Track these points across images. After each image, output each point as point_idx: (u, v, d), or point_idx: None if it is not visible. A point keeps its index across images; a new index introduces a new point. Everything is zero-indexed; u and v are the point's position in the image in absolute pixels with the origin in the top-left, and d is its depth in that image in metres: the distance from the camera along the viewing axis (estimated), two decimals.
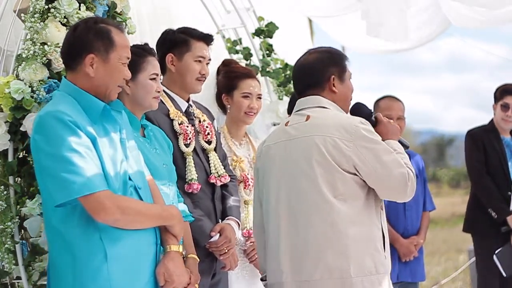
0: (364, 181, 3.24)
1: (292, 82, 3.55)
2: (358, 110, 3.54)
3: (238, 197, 4.04)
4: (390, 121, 3.52)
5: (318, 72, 3.41)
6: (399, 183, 3.23)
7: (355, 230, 3.20)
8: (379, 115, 3.53)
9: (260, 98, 4.34)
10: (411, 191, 3.27)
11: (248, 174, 4.22)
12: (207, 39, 3.94)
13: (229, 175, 3.99)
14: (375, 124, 3.50)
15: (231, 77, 4.28)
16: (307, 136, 3.30)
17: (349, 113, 3.51)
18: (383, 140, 3.46)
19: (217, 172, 3.90)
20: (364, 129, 3.25)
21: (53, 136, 2.84)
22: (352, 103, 3.52)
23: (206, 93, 4.41)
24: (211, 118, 4.10)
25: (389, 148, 3.28)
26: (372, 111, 3.56)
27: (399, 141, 3.52)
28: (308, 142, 3.29)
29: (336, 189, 3.22)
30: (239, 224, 3.94)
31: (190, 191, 3.78)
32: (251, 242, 4.14)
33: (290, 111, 4.79)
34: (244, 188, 4.20)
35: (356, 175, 3.23)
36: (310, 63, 3.44)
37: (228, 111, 4.32)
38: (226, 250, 3.83)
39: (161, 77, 3.85)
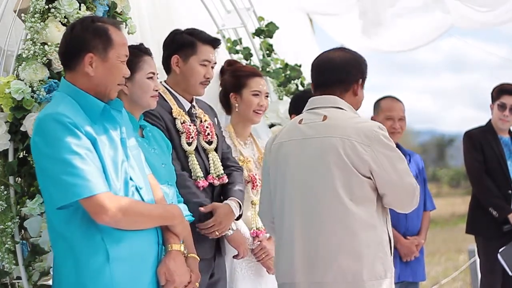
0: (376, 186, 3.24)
1: (312, 74, 3.45)
2: None
3: (243, 184, 4.04)
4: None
5: (349, 71, 3.36)
6: (408, 192, 3.24)
7: (368, 233, 3.20)
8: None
9: (267, 96, 4.36)
10: (416, 202, 3.30)
11: (256, 174, 4.21)
12: (214, 42, 3.94)
13: (234, 166, 4.01)
14: None
15: (239, 76, 4.29)
16: (324, 137, 3.27)
17: None
18: None
19: (215, 173, 3.90)
20: (382, 135, 3.24)
21: (53, 138, 2.82)
22: None
23: (209, 92, 4.43)
24: (213, 114, 4.10)
25: (403, 156, 3.28)
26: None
27: None
28: (326, 143, 3.26)
29: (352, 192, 3.21)
30: (241, 206, 3.91)
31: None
32: (258, 241, 4.14)
33: (292, 110, 4.79)
34: (252, 188, 4.19)
35: (370, 179, 3.22)
36: (342, 60, 3.37)
37: (236, 110, 4.31)
38: (218, 234, 3.81)
39: (160, 76, 3.85)
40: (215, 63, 3.95)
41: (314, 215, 3.25)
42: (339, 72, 3.36)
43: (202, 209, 3.73)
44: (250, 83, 4.27)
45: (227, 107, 4.36)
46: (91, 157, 2.84)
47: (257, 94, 4.27)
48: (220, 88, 4.38)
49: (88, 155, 2.83)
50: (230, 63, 4.46)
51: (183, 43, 3.89)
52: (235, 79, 4.29)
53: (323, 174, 3.24)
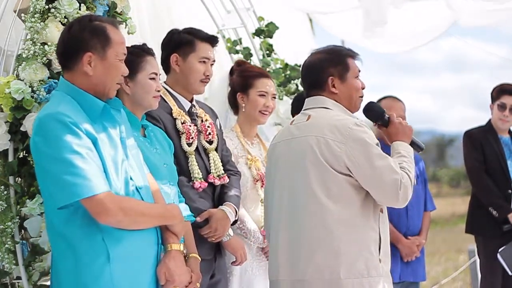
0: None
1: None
2: (370, 109, 3.53)
3: (240, 189, 4.05)
4: (403, 121, 3.48)
5: (317, 74, 3.41)
6: (390, 190, 3.20)
7: (348, 231, 3.20)
8: (392, 115, 3.50)
9: (274, 98, 4.38)
10: (404, 198, 3.22)
11: (264, 172, 4.22)
12: (212, 40, 3.96)
13: (232, 170, 4.01)
14: (387, 124, 3.48)
15: (247, 76, 4.32)
16: (303, 136, 3.32)
17: (361, 112, 3.50)
18: (392, 141, 3.45)
19: (216, 172, 3.91)
20: (358, 131, 3.23)
21: (53, 138, 2.81)
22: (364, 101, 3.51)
23: (217, 93, 4.43)
24: (214, 116, 4.11)
25: (383, 153, 3.24)
26: (385, 110, 3.54)
27: (413, 142, 3.49)
28: (304, 142, 3.30)
29: (329, 190, 3.22)
30: (236, 211, 3.93)
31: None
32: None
33: (293, 112, 4.79)
34: (262, 186, 4.20)
35: (350, 176, 3.22)
36: (311, 65, 3.45)
37: (243, 110, 4.33)
38: (214, 240, 3.84)
39: (163, 76, 3.86)
40: (214, 60, 3.97)
41: (296, 214, 3.28)
42: (310, 77, 3.45)
43: (198, 219, 3.74)
44: (257, 84, 4.30)
45: (235, 107, 4.38)
46: (92, 157, 2.83)
47: (264, 95, 4.29)
48: (229, 89, 4.41)
49: (89, 154, 2.83)
50: (239, 64, 4.49)
51: (181, 42, 3.90)
52: (243, 79, 4.32)
53: (301, 173, 3.27)
